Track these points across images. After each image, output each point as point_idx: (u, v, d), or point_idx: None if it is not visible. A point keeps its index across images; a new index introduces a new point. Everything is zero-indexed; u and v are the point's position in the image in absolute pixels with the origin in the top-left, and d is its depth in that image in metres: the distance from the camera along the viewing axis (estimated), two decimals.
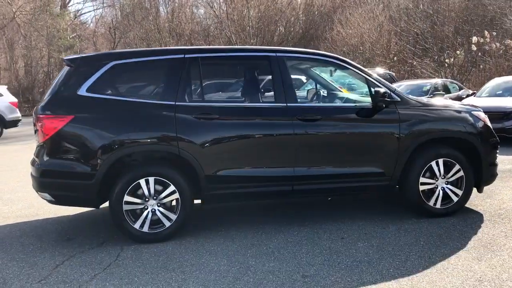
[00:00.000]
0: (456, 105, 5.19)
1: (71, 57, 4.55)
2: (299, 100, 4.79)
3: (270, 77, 4.62)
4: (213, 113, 4.39)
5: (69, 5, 39.37)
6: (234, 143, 4.46)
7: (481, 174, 4.89)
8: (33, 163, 4.47)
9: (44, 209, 5.57)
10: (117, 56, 4.52)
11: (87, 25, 41.15)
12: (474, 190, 4.98)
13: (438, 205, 4.81)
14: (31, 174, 4.49)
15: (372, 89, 4.60)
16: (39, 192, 4.40)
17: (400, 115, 4.69)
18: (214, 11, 32.70)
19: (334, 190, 4.78)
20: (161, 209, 4.34)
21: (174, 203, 4.38)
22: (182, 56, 4.49)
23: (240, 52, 4.94)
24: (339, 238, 4.32)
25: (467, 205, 5.04)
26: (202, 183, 4.38)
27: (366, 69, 4.96)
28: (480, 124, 4.91)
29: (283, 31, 31.46)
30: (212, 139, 4.37)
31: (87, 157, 4.21)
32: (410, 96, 5.01)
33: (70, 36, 35.73)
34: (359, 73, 4.82)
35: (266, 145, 4.53)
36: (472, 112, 4.97)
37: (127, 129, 4.27)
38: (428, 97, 11.78)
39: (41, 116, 4.23)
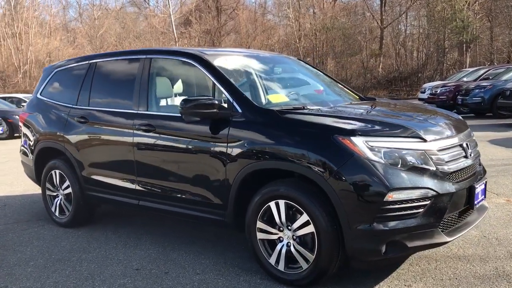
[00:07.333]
0: (340, 122, 3.17)
1: (45, 67, 5.64)
2: (152, 106, 4.13)
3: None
4: (86, 116, 4.57)
5: None
6: (95, 148, 4.51)
7: (343, 239, 2.99)
8: None
9: None
10: (59, 64, 5.29)
11: None
12: None
13: (281, 267, 3.28)
14: None
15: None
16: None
17: (231, 132, 3.44)
18: None
19: (175, 214, 4.00)
20: (63, 199, 4.95)
21: (70, 196, 4.86)
22: (88, 62, 4.83)
23: (121, 55, 4.62)
24: (161, 271, 3.73)
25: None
26: (80, 181, 4.68)
27: (223, 74, 3.72)
28: (338, 155, 2.93)
29: None
30: (82, 142, 4.59)
31: (31, 144, 5.25)
32: (275, 107, 3.49)
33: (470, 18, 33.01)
34: (209, 77, 3.77)
35: (116, 153, 4.33)
36: (336, 137, 2.99)
37: (43, 126, 5.05)
38: None
39: (21, 113, 5.59)
